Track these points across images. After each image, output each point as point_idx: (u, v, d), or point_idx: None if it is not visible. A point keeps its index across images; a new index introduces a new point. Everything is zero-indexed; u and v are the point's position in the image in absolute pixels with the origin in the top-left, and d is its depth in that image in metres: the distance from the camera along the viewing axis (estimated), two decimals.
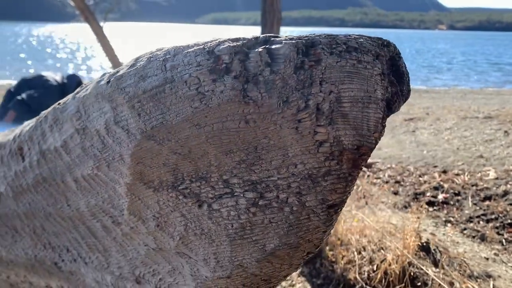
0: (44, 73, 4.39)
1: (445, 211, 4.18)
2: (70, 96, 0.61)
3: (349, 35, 0.48)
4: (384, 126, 0.49)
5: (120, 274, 0.84)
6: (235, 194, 0.52)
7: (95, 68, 20.31)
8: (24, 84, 4.06)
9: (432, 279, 2.25)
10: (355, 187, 4.32)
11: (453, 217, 4.01)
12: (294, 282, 2.57)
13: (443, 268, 2.49)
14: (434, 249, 2.69)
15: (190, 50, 0.45)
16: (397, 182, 4.84)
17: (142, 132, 0.49)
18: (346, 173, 0.47)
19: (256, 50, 0.43)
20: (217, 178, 0.53)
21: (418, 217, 3.26)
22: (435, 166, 5.25)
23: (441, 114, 8.01)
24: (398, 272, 2.21)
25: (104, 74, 0.53)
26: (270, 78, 0.42)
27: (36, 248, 1.14)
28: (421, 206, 4.35)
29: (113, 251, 0.81)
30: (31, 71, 17.21)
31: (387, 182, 4.83)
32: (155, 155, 0.52)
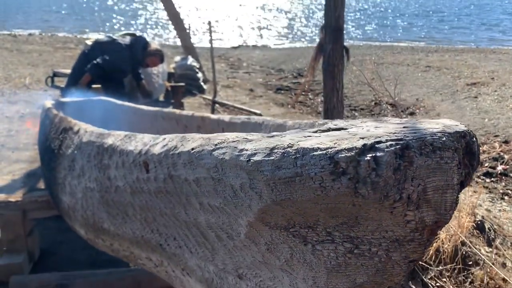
0: (115, 36, 4.63)
1: (503, 183, 4.14)
2: (205, 147, 0.79)
3: (435, 134, 0.62)
4: (457, 202, 0.64)
5: (224, 268, 1.05)
6: (335, 241, 0.70)
7: (155, 25, 20.64)
8: (98, 47, 4.30)
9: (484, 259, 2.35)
10: None
11: (511, 190, 3.98)
12: None
13: (496, 247, 2.58)
14: (488, 228, 2.77)
15: (315, 153, 0.61)
16: None
17: (273, 201, 0.67)
18: (425, 240, 0.63)
19: (366, 159, 0.58)
20: (322, 229, 0.70)
21: (475, 191, 3.30)
22: (496, 136, 5.11)
23: (508, 79, 7.55)
24: (450, 251, 2.34)
25: (242, 150, 0.70)
26: (375, 180, 0.58)
27: (144, 231, 1.38)
28: (478, 177, 4.33)
29: (220, 252, 1.02)
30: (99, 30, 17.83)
31: None
32: (277, 212, 0.70)
